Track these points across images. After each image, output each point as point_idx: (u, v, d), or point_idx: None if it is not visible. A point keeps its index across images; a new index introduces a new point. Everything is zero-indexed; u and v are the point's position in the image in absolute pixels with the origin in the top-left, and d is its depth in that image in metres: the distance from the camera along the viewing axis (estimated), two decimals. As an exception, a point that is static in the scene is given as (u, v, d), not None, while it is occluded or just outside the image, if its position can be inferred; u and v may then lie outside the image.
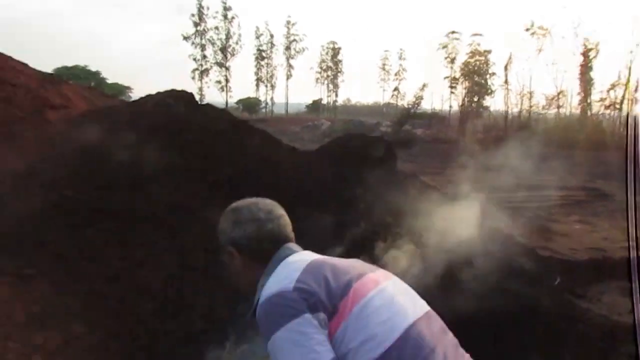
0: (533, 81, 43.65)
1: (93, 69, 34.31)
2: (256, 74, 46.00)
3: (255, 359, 3.43)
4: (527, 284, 4.40)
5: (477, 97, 38.91)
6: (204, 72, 41.91)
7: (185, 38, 41.12)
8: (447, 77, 40.08)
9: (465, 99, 39.00)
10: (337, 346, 1.22)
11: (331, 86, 50.10)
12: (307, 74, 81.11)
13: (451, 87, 39.95)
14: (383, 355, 1.21)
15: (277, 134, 7.83)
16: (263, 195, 1.56)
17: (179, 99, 6.21)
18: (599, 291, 5.52)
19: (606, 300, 5.31)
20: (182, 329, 3.82)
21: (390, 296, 1.33)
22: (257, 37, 45.31)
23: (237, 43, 42.14)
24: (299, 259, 1.39)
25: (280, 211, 1.51)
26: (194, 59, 41.59)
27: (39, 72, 7.52)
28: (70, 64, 33.60)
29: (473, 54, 38.65)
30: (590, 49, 32.24)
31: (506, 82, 35.29)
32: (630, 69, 33.30)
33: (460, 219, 4.33)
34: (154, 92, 6.65)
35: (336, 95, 51.03)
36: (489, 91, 38.62)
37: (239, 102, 44.79)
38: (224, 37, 41.60)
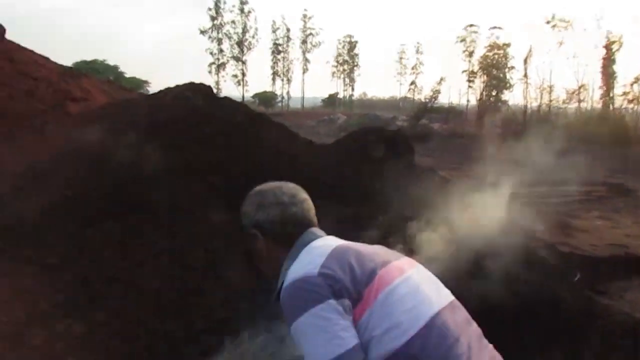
0: (553, 75, 42.97)
1: (111, 63, 34.76)
2: (272, 67, 46.25)
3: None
4: (547, 278, 4.34)
5: (496, 91, 38.33)
6: (220, 66, 42.21)
7: (202, 32, 41.47)
8: (465, 71, 39.76)
9: (484, 93, 38.47)
10: (360, 333, 1.21)
11: (347, 80, 50.09)
12: (323, 67, 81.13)
13: (469, 80, 39.57)
14: (407, 344, 1.20)
15: (293, 127, 7.81)
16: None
17: (197, 91, 6.25)
18: (621, 288, 5.42)
19: (629, 297, 5.20)
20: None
21: (416, 284, 1.32)
22: (274, 31, 45.53)
23: (253, 37, 42.44)
24: (323, 244, 1.39)
25: (303, 195, 1.50)
26: (211, 53, 41.95)
27: (60, 65, 7.64)
28: (89, 58, 34.07)
29: (492, 47, 38.13)
30: (614, 42, 31.53)
31: (525, 75, 34.57)
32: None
33: (479, 213, 4.29)
34: (171, 86, 6.72)
35: (352, 89, 51.07)
36: (508, 85, 38.04)
37: (255, 96, 44.97)
38: (240, 31, 41.89)
